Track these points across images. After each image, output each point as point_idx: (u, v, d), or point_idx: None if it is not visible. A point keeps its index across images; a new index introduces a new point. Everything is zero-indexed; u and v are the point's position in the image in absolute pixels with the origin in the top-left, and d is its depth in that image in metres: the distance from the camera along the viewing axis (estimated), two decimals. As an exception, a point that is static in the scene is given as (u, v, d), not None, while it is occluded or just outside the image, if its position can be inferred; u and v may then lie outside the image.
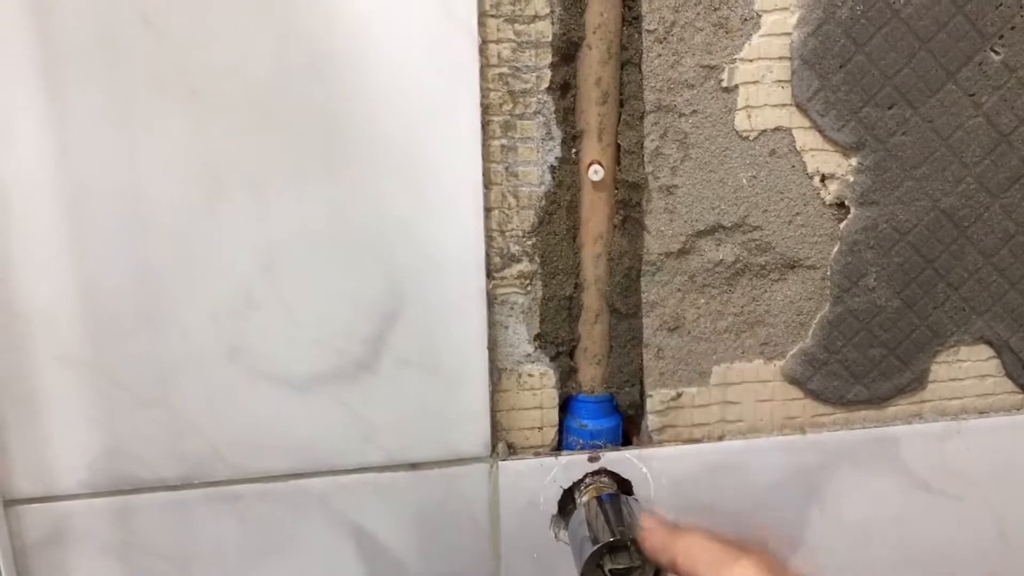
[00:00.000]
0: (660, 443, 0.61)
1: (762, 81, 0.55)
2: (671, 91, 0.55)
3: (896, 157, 0.57)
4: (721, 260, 0.58)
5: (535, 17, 0.53)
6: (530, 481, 0.59)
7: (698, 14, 0.54)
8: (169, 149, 0.50)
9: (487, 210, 0.55)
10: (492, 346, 0.57)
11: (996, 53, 0.57)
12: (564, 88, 0.55)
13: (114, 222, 0.51)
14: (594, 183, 0.56)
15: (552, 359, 0.60)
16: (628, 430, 0.63)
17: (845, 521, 0.64)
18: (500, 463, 0.59)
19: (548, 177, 0.56)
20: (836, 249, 0.59)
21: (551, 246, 0.57)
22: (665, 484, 0.61)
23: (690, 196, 0.57)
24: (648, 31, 0.54)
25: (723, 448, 0.61)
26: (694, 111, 0.55)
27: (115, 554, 0.56)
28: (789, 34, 0.55)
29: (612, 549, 0.54)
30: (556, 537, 0.60)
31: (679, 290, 0.59)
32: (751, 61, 0.55)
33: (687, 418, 0.61)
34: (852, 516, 0.64)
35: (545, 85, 0.54)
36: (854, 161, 0.57)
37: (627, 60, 0.55)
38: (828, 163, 0.57)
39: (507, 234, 0.56)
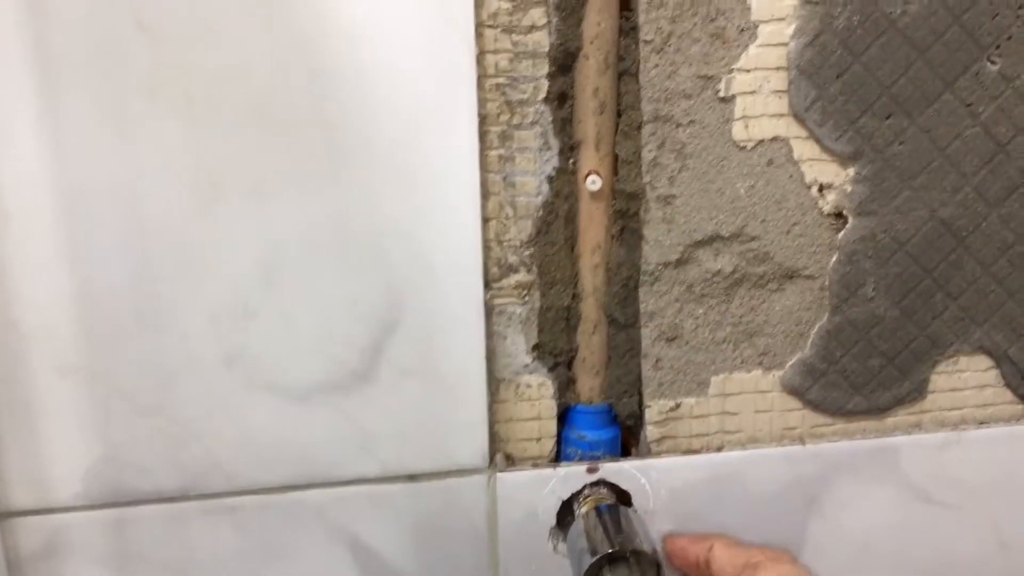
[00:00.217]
0: (659, 454, 0.61)
1: (759, 91, 0.55)
2: (668, 101, 0.55)
3: (894, 167, 0.57)
4: (719, 270, 0.58)
5: (532, 27, 0.53)
6: (528, 493, 0.59)
7: (695, 24, 0.54)
8: (166, 154, 0.50)
9: (485, 220, 0.55)
10: (490, 356, 0.57)
11: (993, 63, 0.57)
12: (561, 98, 0.55)
13: (110, 228, 0.51)
14: (592, 193, 0.56)
15: (550, 369, 0.59)
16: (627, 441, 0.63)
17: (845, 531, 0.64)
18: (498, 474, 0.58)
19: (546, 187, 0.56)
20: (834, 259, 0.59)
21: (549, 256, 0.57)
22: (664, 495, 0.60)
23: (688, 206, 0.57)
24: (645, 41, 0.54)
25: (722, 459, 0.61)
26: (691, 121, 0.55)
27: (111, 567, 0.56)
28: (786, 44, 0.55)
29: (611, 560, 0.54)
30: (555, 549, 0.60)
31: (677, 300, 0.59)
32: (748, 71, 0.55)
33: (686, 429, 0.61)
34: (852, 526, 0.64)
35: (542, 95, 0.54)
36: (852, 171, 0.57)
37: (624, 70, 0.55)
38: (826, 173, 0.57)
39: (505, 244, 0.56)
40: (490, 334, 0.57)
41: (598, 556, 0.54)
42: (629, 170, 0.56)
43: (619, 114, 0.56)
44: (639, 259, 0.58)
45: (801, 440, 0.62)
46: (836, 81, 0.55)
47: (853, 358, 0.61)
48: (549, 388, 0.60)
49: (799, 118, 0.56)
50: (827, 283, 0.59)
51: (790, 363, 0.61)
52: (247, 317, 0.54)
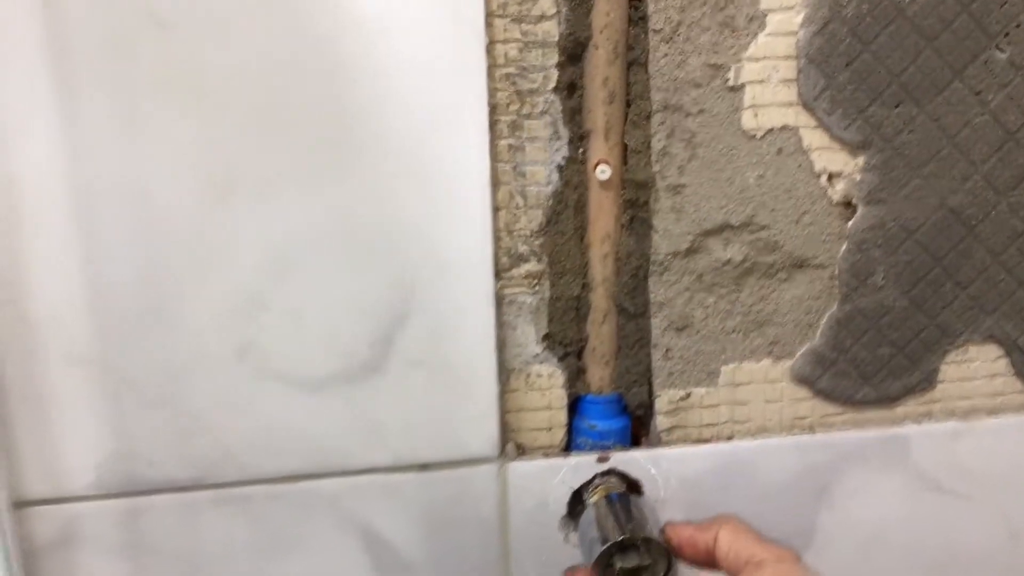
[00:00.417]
0: (669, 443, 0.61)
1: (768, 80, 0.55)
2: (678, 90, 0.55)
3: (903, 155, 0.58)
4: (729, 259, 0.59)
5: (542, 17, 0.53)
6: (539, 482, 0.59)
7: (704, 13, 0.54)
8: (179, 150, 0.51)
9: (495, 210, 0.55)
10: (500, 346, 0.57)
11: (1002, 51, 0.57)
12: (571, 88, 0.55)
13: (123, 222, 0.51)
14: (601, 182, 0.56)
15: (560, 359, 0.60)
16: (636, 431, 0.63)
17: (855, 521, 0.64)
18: (509, 464, 0.59)
19: (555, 177, 0.56)
20: (844, 248, 0.59)
21: (559, 246, 0.57)
22: (674, 484, 0.61)
23: (697, 195, 0.57)
24: (654, 31, 0.54)
25: (732, 448, 0.61)
26: (701, 110, 0.55)
27: (124, 556, 0.56)
28: (795, 33, 0.55)
29: (622, 548, 0.54)
30: (565, 538, 0.60)
31: (687, 290, 0.59)
32: (757, 60, 0.55)
33: (696, 418, 0.61)
34: (862, 516, 0.64)
35: (552, 85, 0.54)
36: (861, 160, 0.57)
37: (633, 60, 0.55)
38: (835, 162, 0.57)
39: (515, 234, 0.57)
40: (500, 324, 0.57)
41: (609, 544, 0.54)
42: (639, 159, 0.56)
43: (628, 103, 0.56)
44: (649, 248, 0.58)
45: (811, 430, 0.62)
46: (845, 70, 0.55)
47: (863, 347, 0.61)
48: (559, 378, 0.60)
49: (808, 107, 0.56)
50: (836, 272, 0.60)
51: (800, 352, 0.61)
52: (258, 310, 0.54)
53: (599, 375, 0.61)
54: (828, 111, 0.56)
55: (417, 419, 0.57)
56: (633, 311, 0.60)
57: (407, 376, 0.56)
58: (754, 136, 0.56)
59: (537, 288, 0.58)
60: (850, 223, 0.59)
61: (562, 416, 0.61)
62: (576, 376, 0.61)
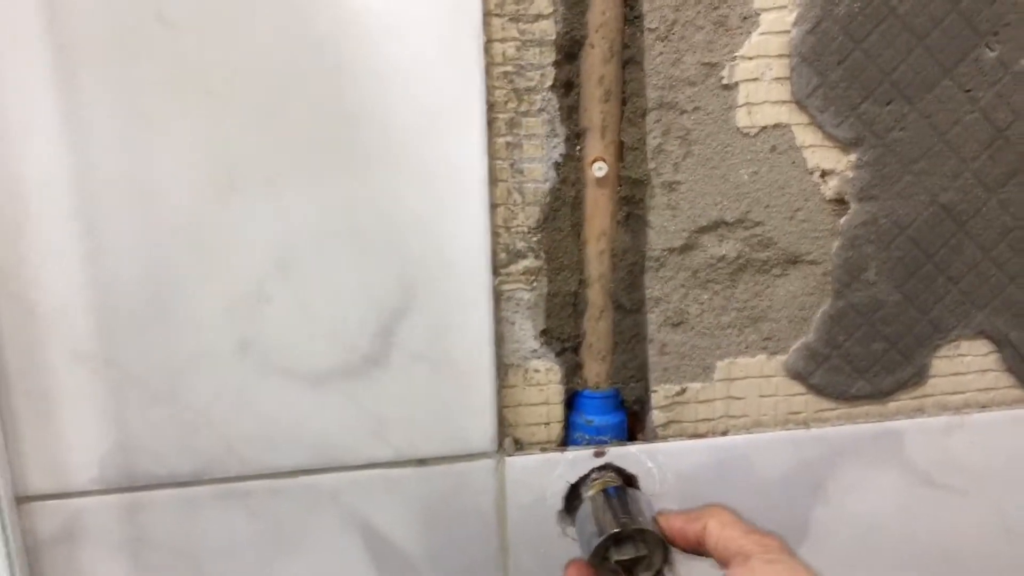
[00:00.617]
0: (665, 438, 0.62)
1: (762, 78, 0.56)
2: (673, 88, 0.56)
3: (894, 152, 0.58)
4: (723, 256, 0.59)
5: (538, 16, 0.54)
6: (537, 476, 0.60)
7: (698, 12, 0.55)
8: (184, 146, 0.51)
9: (493, 206, 0.56)
10: (499, 342, 0.58)
11: (991, 49, 0.58)
12: (568, 86, 0.56)
13: (127, 219, 0.52)
14: (598, 180, 0.57)
15: (557, 355, 0.60)
16: (632, 426, 0.64)
17: (849, 515, 0.64)
18: (507, 458, 0.59)
19: (552, 174, 0.57)
20: (837, 244, 0.60)
21: (556, 242, 0.58)
22: (671, 479, 0.61)
23: (692, 192, 0.58)
24: (650, 29, 0.55)
25: (727, 443, 0.62)
26: (696, 108, 0.56)
27: (126, 550, 0.57)
28: (788, 31, 0.56)
29: (618, 540, 0.55)
30: (563, 532, 0.61)
31: (682, 286, 0.60)
32: (751, 59, 0.56)
33: (691, 413, 0.62)
34: (856, 510, 0.64)
35: (549, 83, 0.55)
36: (853, 157, 0.58)
37: (629, 58, 0.56)
38: (828, 159, 0.58)
39: (512, 230, 0.57)
40: (498, 320, 0.58)
41: (605, 536, 0.54)
42: (634, 157, 0.57)
43: (624, 102, 0.57)
44: (644, 245, 0.59)
45: (805, 424, 0.63)
46: (837, 68, 0.56)
47: (856, 342, 0.62)
48: (557, 373, 0.60)
49: (801, 105, 0.57)
50: (830, 268, 0.60)
51: (794, 348, 0.62)
52: (261, 304, 0.55)
53: (596, 370, 0.61)
54: (821, 109, 0.57)
55: (417, 414, 0.58)
56: (629, 307, 0.60)
57: (407, 370, 0.57)
58: (748, 134, 0.57)
59: (535, 284, 0.59)
60: (843, 219, 0.60)
61: (559, 411, 0.61)
62: (573, 371, 0.61)
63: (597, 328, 0.60)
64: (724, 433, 0.62)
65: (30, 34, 0.49)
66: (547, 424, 0.61)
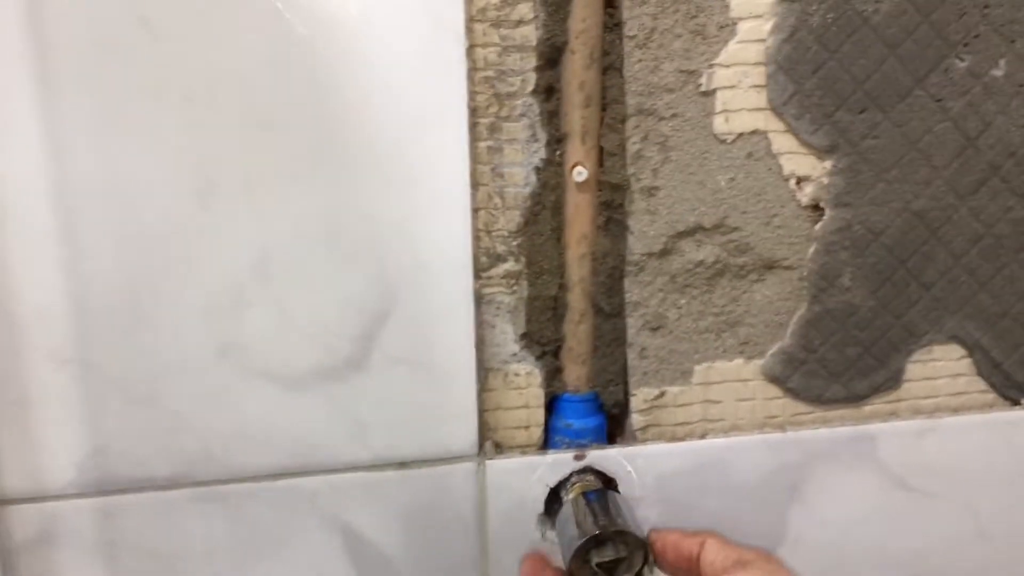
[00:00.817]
0: (644, 441, 0.62)
1: (739, 86, 0.57)
2: (652, 95, 0.57)
3: (868, 160, 0.60)
4: (701, 261, 0.60)
5: (520, 22, 0.55)
6: (517, 480, 0.60)
7: (676, 21, 0.56)
8: (164, 150, 0.52)
9: (474, 210, 0.56)
10: (479, 345, 0.58)
11: (961, 60, 0.59)
12: (548, 92, 0.57)
13: (108, 222, 0.52)
14: (578, 184, 0.58)
15: (538, 358, 0.61)
16: (612, 429, 0.64)
17: (825, 518, 0.65)
18: (487, 462, 0.59)
19: (533, 178, 0.58)
20: (812, 249, 0.61)
21: (536, 246, 0.59)
22: (650, 482, 0.62)
23: (671, 198, 0.59)
24: (629, 37, 0.56)
25: (706, 446, 0.63)
26: (674, 114, 0.57)
27: (103, 554, 0.56)
28: (764, 40, 0.57)
29: (598, 543, 0.55)
30: (543, 536, 0.61)
31: (661, 290, 0.60)
32: (728, 67, 0.57)
33: (670, 417, 0.63)
34: (832, 513, 0.65)
35: (530, 88, 0.56)
36: (828, 164, 0.59)
37: (609, 65, 0.57)
38: (803, 166, 0.59)
39: (493, 234, 0.58)
40: (479, 323, 0.58)
41: (586, 538, 0.55)
42: (614, 162, 0.58)
43: (604, 107, 0.58)
44: (624, 249, 0.59)
45: (782, 428, 0.64)
46: (812, 76, 0.57)
47: (831, 347, 0.63)
48: (537, 377, 0.61)
49: (777, 112, 0.58)
50: (805, 273, 0.61)
51: (771, 352, 0.63)
52: (241, 309, 0.55)
53: (576, 374, 0.62)
54: (796, 116, 0.58)
55: (397, 417, 0.58)
56: (609, 311, 0.61)
57: (388, 374, 0.57)
58: (725, 140, 0.58)
59: (515, 288, 0.59)
60: (818, 226, 0.61)
61: (539, 415, 0.62)
62: (553, 375, 0.62)
63: (577, 332, 0.61)
64: (702, 436, 0.63)
65: (10, 36, 0.49)
66: (527, 427, 0.62)
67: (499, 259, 0.58)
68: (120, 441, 0.55)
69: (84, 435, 0.55)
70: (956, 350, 0.65)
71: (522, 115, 0.56)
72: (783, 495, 0.64)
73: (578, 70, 0.56)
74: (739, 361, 0.62)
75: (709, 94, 0.57)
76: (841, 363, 0.63)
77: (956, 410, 0.66)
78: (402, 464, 0.59)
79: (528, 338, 0.60)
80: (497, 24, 0.54)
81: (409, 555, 0.60)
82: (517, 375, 0.61)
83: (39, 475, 0.55)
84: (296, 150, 0.53)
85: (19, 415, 0.54)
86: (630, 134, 0.57)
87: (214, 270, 0.54)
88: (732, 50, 0.57)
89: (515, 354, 0.60)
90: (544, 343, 0.61)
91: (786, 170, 0.59)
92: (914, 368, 0.65)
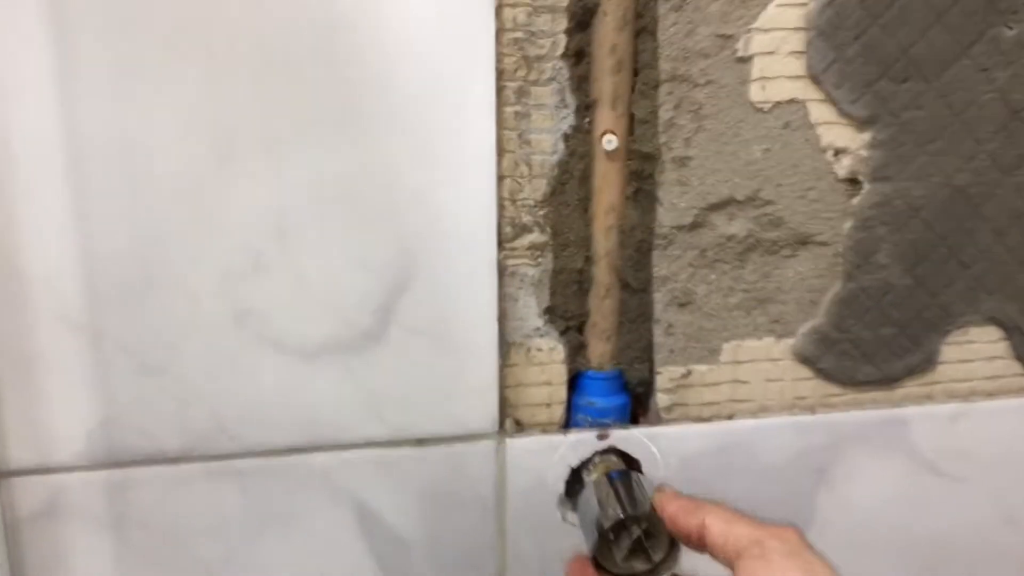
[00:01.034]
0: (669, 422, 0.60)
1: (777, 52, 0.55)
2: (686, 60, 0.54)
3: (910, 132, 0.57)
4: (733, 235, 0.58)
5: (551, -19, 0.52)
6: (538, 459, 0.58)
7: (714, -18, 0.53)
8: (182, 108, 0.49)
9: (499, 178, 0.54)
10: (501, 318, 0.56)
11: (1010, 28, 0.57)
12: (579, 55, 0.54)
13: (121, 182, 0.50)
14: (607, 153, 0.56)
15: (561, 334, 0.59)
16: (635, 408, 0.62)
17: (853, 502, 0.63)
18: (508, 440, 0.58)
19: (561, 146, 0.55)
20: (849, 225, 0.59)
21: (563, 217, 0.56)
22: (674, 463, 0.60)
23: (703, 168, 0.56)
24: (664, -2, 0.53)
25: (732, 427, 0.61)
26: (709, 81, 0.55)
27: (111, 528, 0.55)
28: (805, 4, 0.54)
29: (624, 526, 0.53)
30: (564, 517, 0.59)
31: (690, 265, 0.58)
32: (766, 31, 0.55)
33: (696, 396, 0.61)
34: (860, 497, 0.63)
35: (560, 51, 0.53)
36: (868, 135, 0.57)
37: (642, 28, 0.54)
38: (842, 137, 0.57)
39: (518, 203, 0.56)
40: (502, 296, 0.56)
41: (611, 522, 0.53)
42: (645, 130, 0.56)
43: (636, 73, 0.55)
44: (653, 222, 0.57)
45: (812, 410, 0.62)
46: (854, 43, 0.55)
47: (865, 327, 0.61)
48: (560, 353, 0.59)
49: (816, 80, 0.56)
50: (841, 250, 0.59)
51: (802, 331, 0.60)
52: (258, 274, 0.53)
53: (600, 351, 0.60)
54: (836, 85, 0.56)
55: (415, 391, 0.56)
56: (636, 286, 0.59)
57: (406, 346, 0.55)
58: (761, 109, 0.56)
59: (540, 260, 0.57)
60: (855, 200, 0.58)
61: (562, 392, 0.60)
62: (576, 351, 0.60)
63: (603, 307, 0.59)
64: (729, 417, 0.61)
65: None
66: (549, 405, 0.60)
67: (524, 230, 0.56)
68: (131, 412, 0.53)
69: (93, 405, 0.53)
70: (993, 332, 0.63)
71: (551, 79, 0.54)
72: (811, 479, 0.62)
73: (610, 33, 0.54)
74: (769, 340, 0.60)
75: (746, 60, 0.55)
76: (875, 344, 0.61)
77: (991, 394, 0.64)
78: (419, 441, 0.57)
79: (552, 312, 0.58)
80: (527, -17, 0.52)
81: (424, 535, 0.59)
82: (540, 350, 0.58)
83: (46, 446, 0.53)
84: (317, 111, 0.51)
85: (26, 380, 0.52)
86: (662, 101, 0.55)
87: (231, 234, 0.52)
88: (771, 14, 0.54)
89: (538, 328, 0.58)
90: (568, 318, 0.59)
91: (824, 141, 0.57)
92: (949, 350, 0.63)
